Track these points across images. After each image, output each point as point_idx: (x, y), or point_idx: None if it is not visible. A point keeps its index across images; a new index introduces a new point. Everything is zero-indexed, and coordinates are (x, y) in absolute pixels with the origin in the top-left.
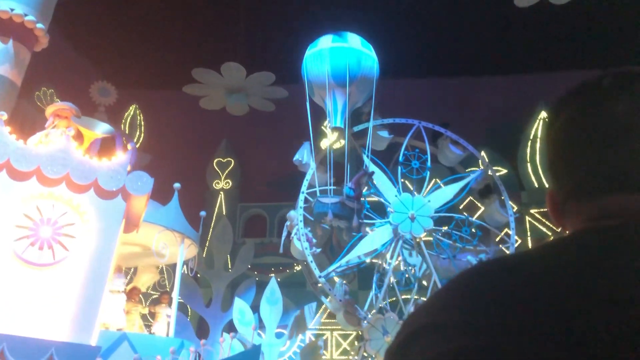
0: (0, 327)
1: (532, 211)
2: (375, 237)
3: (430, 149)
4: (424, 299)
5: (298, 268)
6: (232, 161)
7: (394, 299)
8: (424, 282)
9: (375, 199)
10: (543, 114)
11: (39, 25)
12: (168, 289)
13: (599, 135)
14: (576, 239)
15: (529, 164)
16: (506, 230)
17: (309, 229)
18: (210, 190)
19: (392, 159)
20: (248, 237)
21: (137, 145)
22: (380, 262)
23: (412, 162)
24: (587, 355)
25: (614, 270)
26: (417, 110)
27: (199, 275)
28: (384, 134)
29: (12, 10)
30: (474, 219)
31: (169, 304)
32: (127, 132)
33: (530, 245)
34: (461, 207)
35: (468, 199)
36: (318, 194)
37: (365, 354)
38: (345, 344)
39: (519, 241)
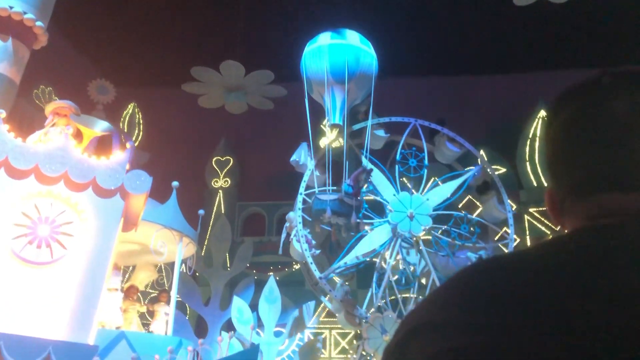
0: None
1: (531, 210)
2: (374, 237)
3: (427, 146)
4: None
5: (297, 267)
6: (231, 159)
7: (394, 297)
8: (423, 281)
9: (373, 198)
10: (542, 113)
11: (38, 23)
12: (167, 288)
13: (599, 134)
14: (575, 237)
15: (528, 163)
16: (505, 229)
17: (308, 231)
18: (208, 188)
19: (389, 158)
20: (247, 236)
21: (136, 144)
22: (380, 262)
23: (409, 161)
24: (587, 355)
25: (614, 270)
26: (415, 109)
27: (197, 273)
28: (380, 132)
29: (11, 8)
30: (472, 216)
31: (168, 302)
32: (125, 130)
33: (529, 244)
34: (460, 205)
35: (467, 198)
36: (317, 191)
37: (363, 353)
38: (343, 343)
39: (518, 240)
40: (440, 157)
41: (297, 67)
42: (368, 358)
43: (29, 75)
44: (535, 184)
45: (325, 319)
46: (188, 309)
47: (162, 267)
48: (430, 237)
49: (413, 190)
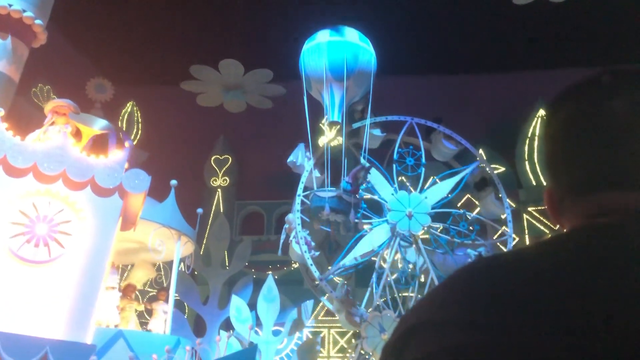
0: None
1: (529, 209)
2: (373, 237)
3: (424, 144)
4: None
5: (295, 265)
6: (230, 158)
7: (394, 296)
8: (422, 279)
9: (371, 197)
10: (541, 112)
11: (38, 22)
12: (165, 286)
13: (598, 134)
14: (575, 236)
15: (526, 162)
16: (504, 228)
17: (307, 232)
18: (207, 187)
19: (386, 157)
20: (245, 235)
21: (134, 142)
22: (379, 261)
23: (406, 159)
24: (587, 355)
25: (614, 269)
26: (414, 107)
27: (196, 272)
28: (377, 132)
29: (10, 5)
30: (470, 213)
31: (166, 301)
32: (124, 129)
33: (527, 243)
34: (459, 205)
35: (466, 197)
36: (315, 188)
37: (362, 352)
38: (342, 342)
39: (517, 239)
40: (437, 154)
41: (296, 66)
42: (366, 357)
43: (27, 73)
44: (534, 183)
45: (324, 318)
46: (186, 307)
47: (161, 265)
48: (428, 236)
49: (411, 189)
